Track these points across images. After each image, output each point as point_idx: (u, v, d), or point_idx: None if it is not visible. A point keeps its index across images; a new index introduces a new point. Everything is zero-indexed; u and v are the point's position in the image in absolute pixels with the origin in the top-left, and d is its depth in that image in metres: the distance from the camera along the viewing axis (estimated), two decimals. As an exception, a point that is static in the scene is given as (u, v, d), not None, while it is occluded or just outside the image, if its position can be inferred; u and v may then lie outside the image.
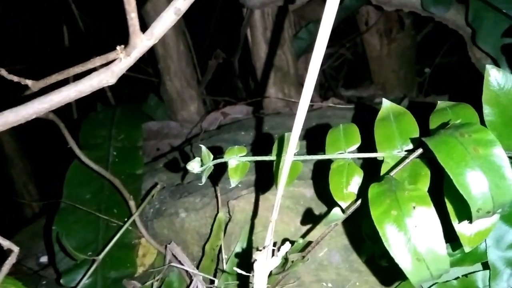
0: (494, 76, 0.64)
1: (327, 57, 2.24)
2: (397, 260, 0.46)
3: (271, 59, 1.67)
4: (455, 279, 0.70)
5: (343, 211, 0.59)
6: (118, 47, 0.50)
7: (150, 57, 1.81)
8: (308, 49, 1.77)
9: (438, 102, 0.70)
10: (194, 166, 0.70)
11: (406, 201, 0.47)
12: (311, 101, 1.75)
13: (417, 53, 2.07)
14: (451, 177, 0.46)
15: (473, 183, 0.45)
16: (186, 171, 0.68)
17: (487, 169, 0.45)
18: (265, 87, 1.70)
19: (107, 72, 0.51)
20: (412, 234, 0.46)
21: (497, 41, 1.12)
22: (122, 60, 0.51)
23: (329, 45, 2.23)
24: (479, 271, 0.69)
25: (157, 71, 1.75)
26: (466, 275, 0.69)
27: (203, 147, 0.70)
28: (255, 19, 1.61)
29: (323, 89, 2.30)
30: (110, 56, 0.51)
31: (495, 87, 0.64)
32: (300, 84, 1.68)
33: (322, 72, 2.21)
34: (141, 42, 0.47)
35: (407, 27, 1.97)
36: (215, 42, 2.13)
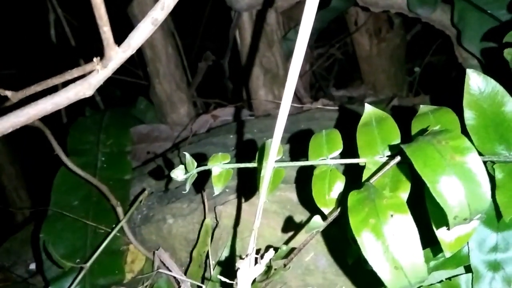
0: (475, 80, 0.64)
1: (317, 57, 2.25)
2: (375, 269, 0.46)
3: (260, 61, 1.67)
4: (439, 282, 0.70)
5: (325, 217, 0.59)
6: (94, 59, 0.50)
7: (139, 59, 1.80)
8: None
9: (420, 106, 0.70)
10: (178, 174, 0.70)
11: (384, 209, 0.48)
12: (301, 102, 1.75)
13: (406, 52, 2.08)
14: (428, 185, 0.46)
15: (449, 191, 0.45)
16: (170, 178, 0.69)
17: (463, 176, 0.46)
18: (255, 89, 1.70)
19: (84, 84, 0.50)
20: (390, 242, 0.46)
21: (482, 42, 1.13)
22: (100, 72, 0.50)
23: (320, 45, 2.23)
24: (462, 274, 0.69)
25: (147, 74, 1.74)
26: (450, 278, 0.70)
27: (187, 155, 0.70)
28: (243, 21, 1.61)
29: (314, 90, 2.31)
30: (87, 67, 0.51)
31: (475, 91, 0.64)
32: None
33: (313, 72, 2.21)
34: (116, 55, 0.47)
35: (396, 27, 1.98)
36: (205, 44, 2.12)
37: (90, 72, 0.52)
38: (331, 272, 0.81)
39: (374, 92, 2.11)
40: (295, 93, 1.91)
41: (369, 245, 0.46)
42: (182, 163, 0.72)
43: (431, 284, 0.71)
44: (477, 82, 0.64)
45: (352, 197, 0.52)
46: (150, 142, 1.71)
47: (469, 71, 0.66)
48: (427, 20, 1.41)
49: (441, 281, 0.70)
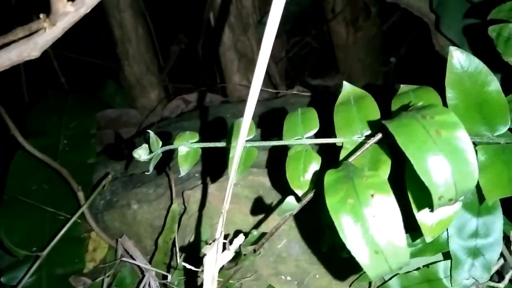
0: (457, 58, 0.61)
1: (293, 45, 2.21)
2: (353, 253, 0.42)
3: (235, 45, 1.62)
4: (417, 269, 0.67)
5: (298, 199, 0.55)
6: (41, 15, 0.44)
7: (109, 41, 1.72)
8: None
9: (401, 86, 0.67)
10: (140, 153, 0.65)
11: (364, 188, 0.43)
12: (276, 88, 1.71)
13: (383, 43, 2.06)
14: (412, 162, 0.42)
15: (435, 169, 0.41)
16: (131, 159, 0.63)
17: (450, 153, 0.42)
18: (229, 74, 1.65)
19: (29, 44, 0.44)
20: (370, 224, 0.42)
21: (461, 26, 1.11)
22: (47, 31, 0.44)
23: (296, 34, 2.19)
24: (440, 261, 0.67)
25: (116, 56, 1.66)
26: (427, 266, 0.67)
27: (151, 133, 0.64)
28: (218, 4, 1.55)
29: (289, 78, 2.27)
30: (33, 26, 0.45)
31: (458, 70, 0.61)
32: (265, 72, 1.64)
33: (288, 61, 2.17)
34: (65, 8, 0.41)
35: (373, 16, 1.95)
36: (178, 27, 2.05)
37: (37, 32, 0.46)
38: (304, 260, 0.77)
39: (349, 82, 2.08)
40: (270, 80, 1.87)
41: (347, 228, 0.42)
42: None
43: (408, 272, 0.68)
44: (460, 60, 0.61)
45: (329, 176, 0.47)
46: (119, 128, 1.63)
47: (452, 49, 0.62)
48: (405, 6, 1.38)
49: (418, 268, 0.68)
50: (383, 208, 0.42)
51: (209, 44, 1.74)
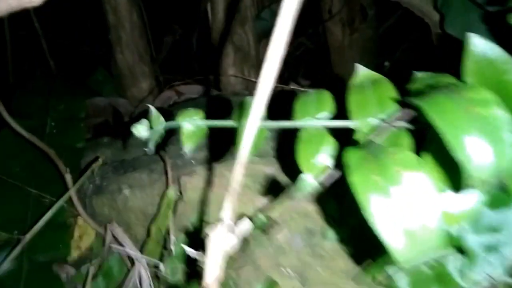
0: (477, 46, 0.59)
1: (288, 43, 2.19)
2: (381, 236, 0.38)
3: (231, 38, 1.58)
4: (425, 264, 0.64)
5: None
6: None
7: (102, 27, 1.66)
8: (270, 32, 1.69)
9: (414, 72, 0.64)
10: (140, 130, 0.60)
11: (392, 166, 0.40)
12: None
13: (378, 46, 2.06)
14: (446, 139, 0.39)
15: (471, 147, 0.38)
16: (128, 136, 0.58)
17: (486, 132, 0.39)
18: (224, 67, 1.61)
19: (31, -10, 0.40)
20: (401, 204, 0.38)
21: (466, 26, 1.10)
22: (52, -23, 0.40)
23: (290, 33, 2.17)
24: (451, 255, 0.64)
25: (108, 43, 1.61)
26: (437, 260, 0.64)
27: (152, 107, 0.60)
28: (216, -5, 1.52)
29: (283, 78, 2.25)
30: (37, -29, 0.40)
31: (477, 58, 0.58)
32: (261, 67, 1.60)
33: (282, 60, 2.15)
34: None
35: (370, 19, 1.95)
36: (173, 17, 2.01)
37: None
38: (307, 252, 0.73)
39: (343, 84, 2.07)
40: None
41: (375, 207, 0.38)
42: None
43: (416, 267, 0.65)
44: (479, 48, 0.59)
45: (351, 154, 0.44)
46: (107, 116, 1.58)
47: (470, 35, 0.60)
48: (407, 5, 1.37)
49: (428, 263, 0.65)
50: (415, 186, 0.39)
51: (204, 36, 1.70)
